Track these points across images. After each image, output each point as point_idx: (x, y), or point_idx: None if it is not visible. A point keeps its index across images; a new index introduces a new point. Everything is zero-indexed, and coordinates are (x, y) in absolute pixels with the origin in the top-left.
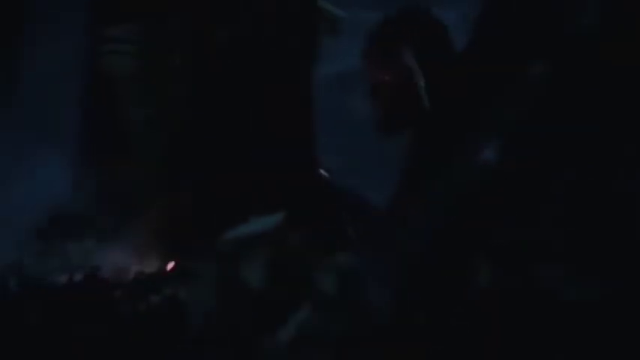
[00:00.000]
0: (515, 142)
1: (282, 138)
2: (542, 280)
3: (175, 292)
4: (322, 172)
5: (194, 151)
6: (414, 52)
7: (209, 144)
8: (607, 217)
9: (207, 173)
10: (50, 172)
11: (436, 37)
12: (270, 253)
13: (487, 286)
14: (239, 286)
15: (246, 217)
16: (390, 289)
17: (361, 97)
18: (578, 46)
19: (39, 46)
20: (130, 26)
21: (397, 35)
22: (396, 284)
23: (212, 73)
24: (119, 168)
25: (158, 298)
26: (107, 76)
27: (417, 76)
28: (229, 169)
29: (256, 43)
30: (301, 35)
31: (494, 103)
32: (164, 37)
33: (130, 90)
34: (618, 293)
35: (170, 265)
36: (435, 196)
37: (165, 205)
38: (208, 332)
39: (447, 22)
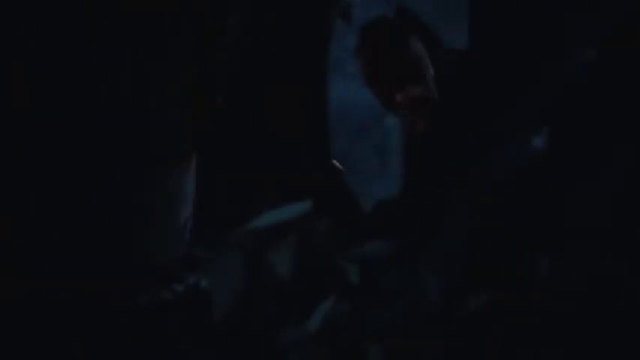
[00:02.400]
0: (564, 129)
1: (297, 130)
2: (608, 269)
3: (198, 281)
4: (336, 163)
5: (215, 138)
6: (422, 43)
7: (225, 135)
8: None
9: (225, 164)
10: None
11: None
12: (298, 242)
13: (546, 275)
14: (266, 275)
15: (269, 206)
16: (443, 277)
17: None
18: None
19: None
20: None
21: (402, 26)
22: (450, 273)
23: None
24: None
25: (181, 286)
26: None
27: (427, 64)
28: (247, 160)
29: (269, 33)
30: (315, 23)
31: (539, 90)
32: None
33: None
34: None
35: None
36: (476, 184)
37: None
38: (231, 322)
39: None
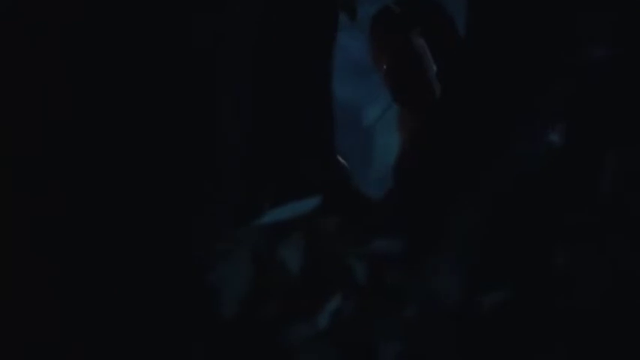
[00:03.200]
0: (578, 124)
1: (303, 127)
2: (625, 261)
3: (206, 277)
4: (342, 161)
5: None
6: (424, 38)
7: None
8: None
9: (232, 163)
10: None
11: (443, 25)
12: (307, 238)
13: (564, 269)
14: (274, 273)
15: (275, 204)
16: (459, 274)
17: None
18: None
19: None
20: None
21: (404, 20)
22: (465, 272)
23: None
24: None
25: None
26: None
27: (427, 61)
28: (254, 159)
29: (273, 33)
30: (321, 20)
31: (555, 86)
32: None
33: None
34: None
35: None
36: (489, 181)
37: None
38: (238, 320)
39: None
